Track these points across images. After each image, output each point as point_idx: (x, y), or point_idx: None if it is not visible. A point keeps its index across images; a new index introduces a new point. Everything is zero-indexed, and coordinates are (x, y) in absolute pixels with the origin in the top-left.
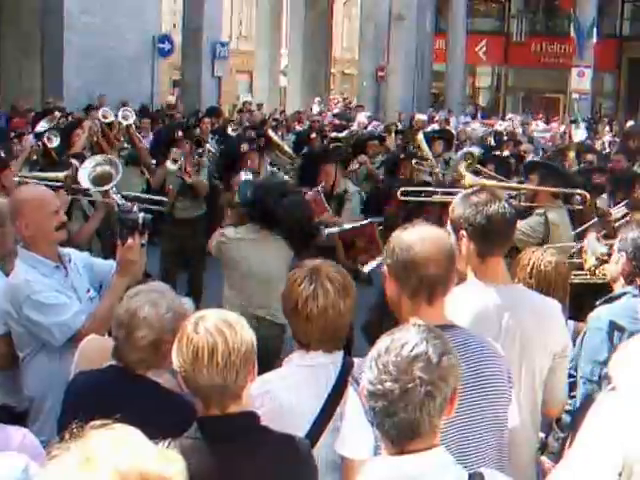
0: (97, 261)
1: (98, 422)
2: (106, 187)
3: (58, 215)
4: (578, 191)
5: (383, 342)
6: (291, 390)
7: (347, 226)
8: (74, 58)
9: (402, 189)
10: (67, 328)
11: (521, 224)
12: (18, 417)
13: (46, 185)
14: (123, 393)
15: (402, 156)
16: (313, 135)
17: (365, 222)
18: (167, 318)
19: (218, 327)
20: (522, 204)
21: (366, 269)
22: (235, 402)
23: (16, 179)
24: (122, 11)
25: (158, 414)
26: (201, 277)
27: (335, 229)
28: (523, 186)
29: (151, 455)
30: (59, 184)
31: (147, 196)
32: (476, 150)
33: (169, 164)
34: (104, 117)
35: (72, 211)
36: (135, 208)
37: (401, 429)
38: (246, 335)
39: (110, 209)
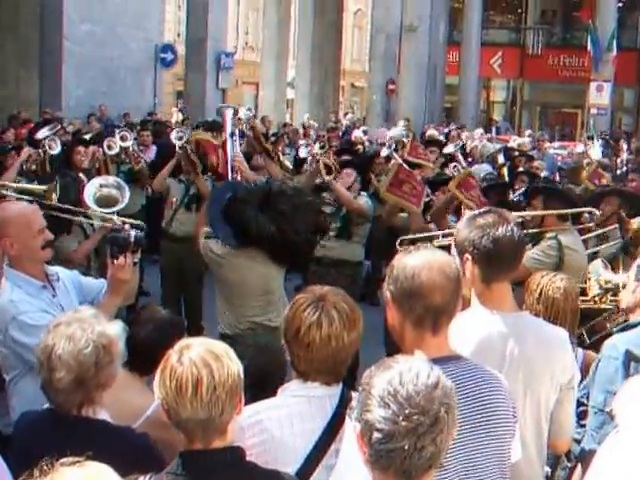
0: (86, 280)
1: (70, 459)
2: (109, 211)
3: (44, 233)
4: (586, 209)
5: (387, 376)
6: (284, 422)
7: (408, 168)
8: (74, 68)
9: (401, 238)
10: None
11: (533, 251)
12: (4, 441)
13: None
14: (60, 439)
15: None
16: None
17: (420, 179)
18: (86, 354)
19: (203, 358)
20: (530, 231)
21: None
22: (220, 437)
23: None
24: (124, 20)
25: (98, 454)
26: (199, 295)
27: (399, 159)
28: (527, 213)
29: None
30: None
31: (126, 220)
32: (488, 168)
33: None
34: (109, 148)
35: (71, 228)
36: (127, 226)
37: (422, 465)
38: (233, 367)
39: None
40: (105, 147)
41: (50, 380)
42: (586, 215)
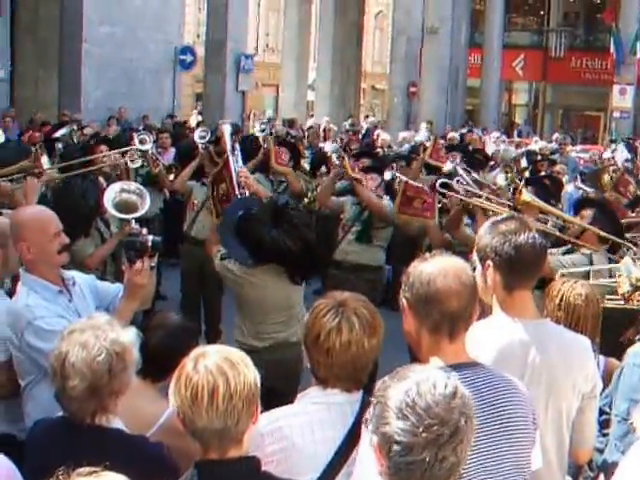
0: (103, 284)
1: (86, 469)
2: (127, 216)
3: (60, 237)
4: (629, 244)
5: (403, 387)
6: (305, 429)
7: (414, 183)
8: (93, 69)
9: (441, 181)
10: None
11: (564, 257)
12: (20, 446)
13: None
14: (74, 448)
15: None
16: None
17: (429, 189)
18: (100, 361)
19: (219, 366)
20: (565, 237)
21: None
22: (236, 446)
23: None
24: (143, 21)
25: (114, 464)
26: (219, 299)
27: (404, 177)
28: (575, 220)
29: None
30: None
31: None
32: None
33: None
34: (142, 142)
35: (89, 231)
36: (144, 230)
37: (442, 476)
38: (249, 375)
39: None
40: (137, 142)
41: (63, 388)
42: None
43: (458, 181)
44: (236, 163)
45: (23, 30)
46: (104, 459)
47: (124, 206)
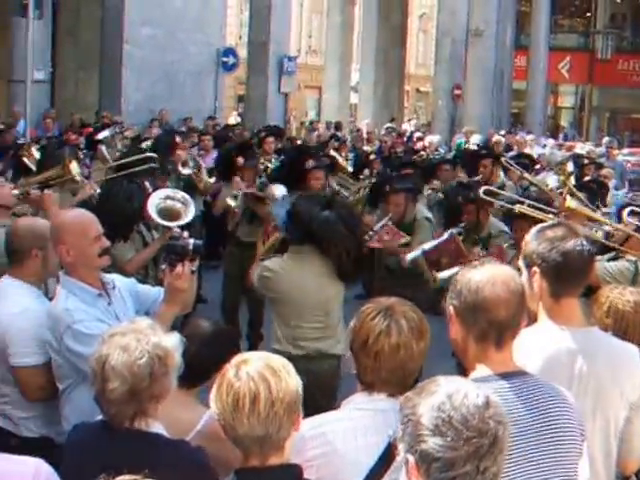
0: (143, 288)
1: (127, 477)
2: (169, 224)
3: (101, 240)
4: None
5: (434, 402)
6: (348, 435)
7: (428, 246)
8: (134, 71)
9: (484, 188)
10: None
11: (610, 264)
12: (57, 449)
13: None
14: (113, 452)
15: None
16: (372, 156)
17: (446, 236)
18: (141, 364)
19: (261, 373)
20: (610, 244)
21: (442, 275)
22: (277, 453)
23: (15, 192)
24: (185, 23)
25: (153, 469)
26: (262, 301)
27: (417, 252)
28: (620, 226)
29: None
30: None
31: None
32: (554, 177)
33: (229, 200)
34: (183, 165)
35: (129, 235)
36: (185, 234)
37: None
38: (291, 382)
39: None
40: (180, 167)
41: (103, 391)
42: None
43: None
44: None
45: (64, 32)
46: (143, 464)
47: (168, 213)
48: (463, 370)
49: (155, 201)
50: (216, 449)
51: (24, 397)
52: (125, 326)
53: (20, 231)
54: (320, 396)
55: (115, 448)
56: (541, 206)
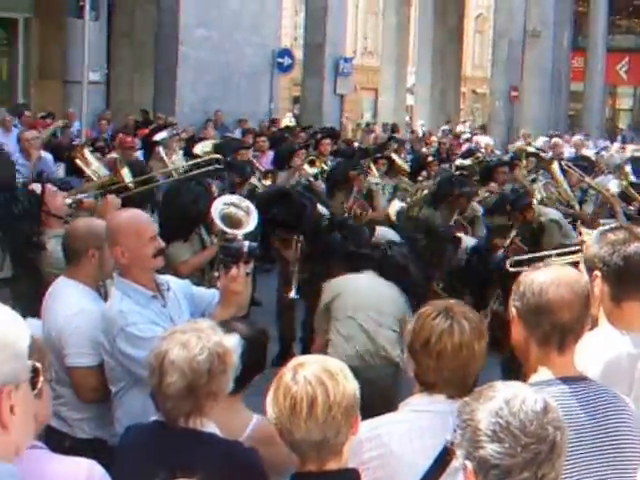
0: (198, 290)
1: None
2: (231, 231)
3: (155, 241)
4: None
5: (492, 408)
6: (404, 437)
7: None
8: (189, 73)
9: (513, 259)
10: None
11: None
12: (110, 452)
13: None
14: (167, 452)
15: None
16: (430, 158)
17: None
18: (200, 360)
19: (318, 377)
20: None
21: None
22: (335, 458)
23: (68, 201)
24: (240, 25)
25: (208, 470)
26: (316, 307)
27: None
28: None
29: None
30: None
31: None
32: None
33: None
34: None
35: (189, 236)
36: (239, 236)
37: None
38: (349, 386)
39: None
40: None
41: (160, 385)
42: None
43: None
44: None
45: (119, 33)
46: (198, 464)
47: (229, 220)
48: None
49: (219, 206)
50: (266, 453)
51: (78, 398)
52: (185, 325)
53: (78, 231)
54: (378, 404)
55: (169, 448)
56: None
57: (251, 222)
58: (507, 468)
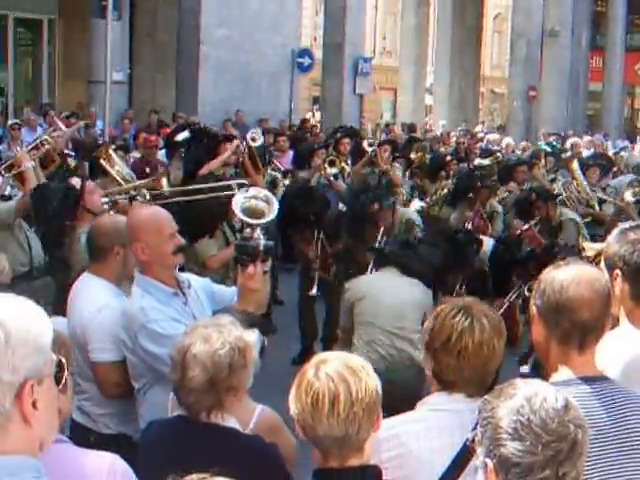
0: (219, 288)
1: (196, 475)
2: (254, 222)
3: (175, 238)
4: None
5: (513, 405)
6: (422, 437)
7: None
8: (210, 73)
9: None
10: None
11: None
12: (135, 447)
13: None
14: (189, 447)
15: (533, 197)
16: (449, 158)
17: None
18: (222, 354)
19: (341, 373)
20: None
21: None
22: (356, 454)
23: (105, 199)
24: (261, 25)
25: (229, 465)
26: (338, 302)
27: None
28: None
29: None
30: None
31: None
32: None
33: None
34: (253, 140)
35: (214, 232)
36: (256, 234)
37: None
38: (371, 383)
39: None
40: (249, 139)
41: (182, 379)
42: None
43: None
44: None
45: (141, 33)
46: (220, 458)
47: (251, 212)
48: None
49: (240, 199)
50: (272, 441)
51: (102, 393)
52: (207, 321)
53: (104, 228)
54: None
55: (192, 443)
56: None
57: (273, 210)
58: (528, 466)
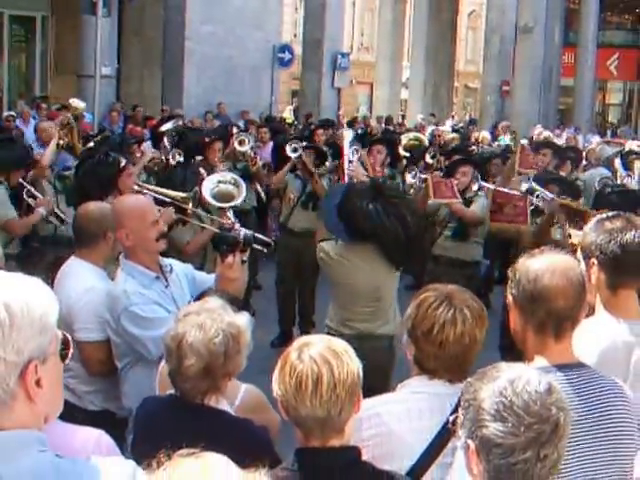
0: (200, 274)
1: (186, 450)
2: (225, 205)
3: (158, 225)
4: None
5: (496, 388)
6: (403, 417)
7: (502, 189)
8: (194, 67)
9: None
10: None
11: None
12: (118, 423)
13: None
14: (182, 425)
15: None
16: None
17: (520, 194)
18: (216, 342)
19: (324, 356)
20: None
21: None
22: (337, 435)
23: (135, 187)
24: (243, 21)
25: (219, 445)
26: (314, 290)
27: (491, 185)
28: None
29: None
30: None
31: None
32: (604, 172)
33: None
34: (240, 144)
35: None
36: (237, 225)
37: (544, 474)
38: (353, 365)
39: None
40: (237, 143)
41: (179, 367)
42: None
43: (538, 196)
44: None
45: (129, 30)
46: (210, 439)
47: (222, 196)
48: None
49: (209, 186)
50: (255, 420)
51: (86, 371)
52: (197, 306)
53: (93, 214)
54: (371, 375)
55: (184, 422)
56: None
57: (242, 191)
58: (510, 447)
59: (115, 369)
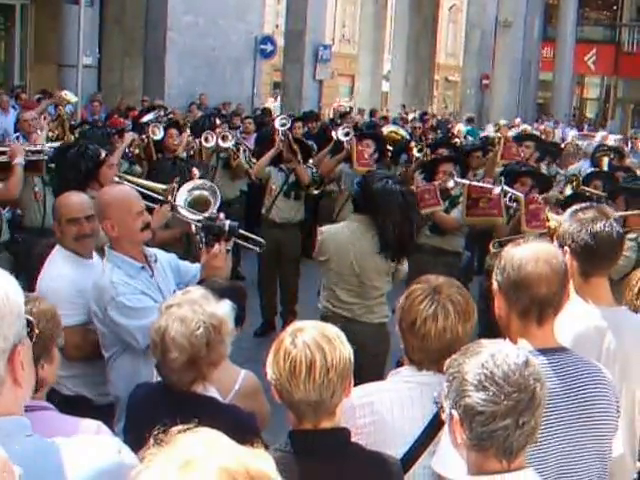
0: (184, 264)
1: (180, 427)
2: (200, 217)
3: (143, 215)
4: None
5: (478, 361)
6: (395, 406)
7: (477, 183)
8: (176, 57)
9: (495, 241)
10: None
11: None
12: (95, 410)
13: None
14: (172, 411)
15: None
16: (412, 144)
17: (497, 190)
18: (198, 335)
19: (317, 341)
20: None
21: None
22: (329, 418)
23: (116, 179)
24: (226, 12)
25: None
26: (295, 280)
27: (465, 181)
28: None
29: (247, 453)
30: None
31: (246, 233)
32: (587, 165)
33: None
34: (206, 140)
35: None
36: (222, 215)
37: (522, 441)
38: (345, 351)
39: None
40: (203, 139)
41: (164, 360)
42: None
43: (510, 198)
44: None
45: (111, 20)
46: (200, 424)
47: (198, 203)
48: None
49: (183, 197)
50: (251, 406)
51: (63, 356)
52: (180, 297)
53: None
54: (364, 360)
55: (173, 408)
56: None
57: (217, 198)
58: (491, 414)
59: (92, 353)
